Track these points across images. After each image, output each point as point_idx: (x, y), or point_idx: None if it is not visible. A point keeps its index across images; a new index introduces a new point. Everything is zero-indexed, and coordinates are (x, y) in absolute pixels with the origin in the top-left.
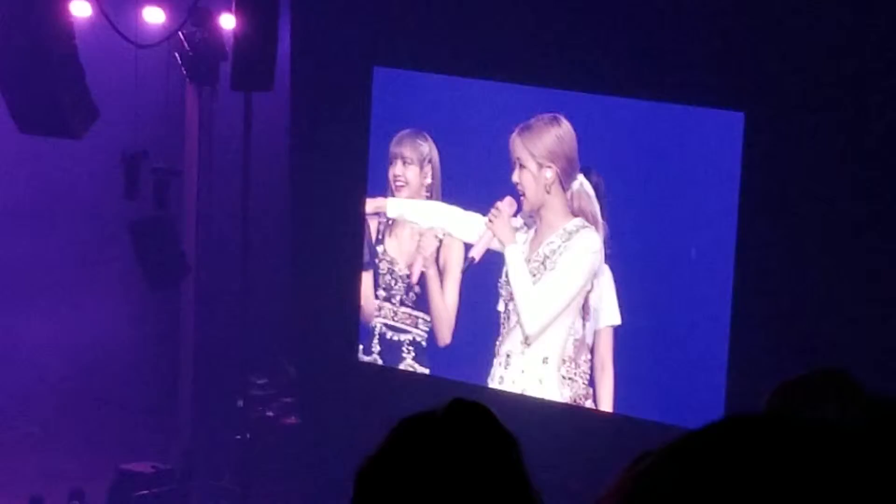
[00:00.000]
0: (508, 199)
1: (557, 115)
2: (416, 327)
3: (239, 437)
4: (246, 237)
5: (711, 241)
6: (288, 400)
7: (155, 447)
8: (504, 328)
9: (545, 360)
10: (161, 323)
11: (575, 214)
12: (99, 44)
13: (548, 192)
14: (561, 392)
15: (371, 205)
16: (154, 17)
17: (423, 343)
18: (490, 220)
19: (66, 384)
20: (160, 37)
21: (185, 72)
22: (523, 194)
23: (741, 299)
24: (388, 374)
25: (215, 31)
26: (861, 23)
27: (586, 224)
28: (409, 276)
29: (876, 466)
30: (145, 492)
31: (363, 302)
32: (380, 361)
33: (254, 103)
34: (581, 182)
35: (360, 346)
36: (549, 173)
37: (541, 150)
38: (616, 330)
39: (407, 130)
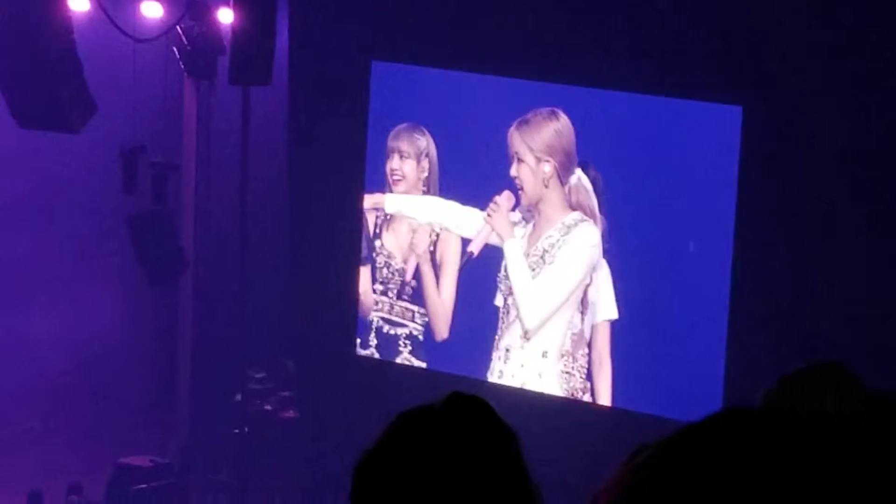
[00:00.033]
0: (507, 194)
1: (555, 109)
2: (413, 321)
3: (237, 431)
4: (244, 231)
5: (709, 236)
6: (286, 394)
7: (153, 441)
8: (503, 323)
9: (544, 355)
10: (159, 317)
11: (573, 208)
12: (97, 38)
13: (546, 187)
14: (560, 386)
15: (369, 201)
16: (152, 11)
17: (420, 337)
18: (489, 215)
19: (64, 378)
20: (158, 31)
21: (183, 66)
22: (521, 188)
23: (739, 293)
24: (387, 368)
25: (213, 25)
26: (859, 18)
27: (584, 218)
28: (405, 271)
29: (874, 459)
30: (143, 486)
31: (363, 296)
32: (377, 355)
33: (252, 98)
34: (579, 176)
35: (358, 340)
36: (548, 167)
37: (539, 144)
38: (613, 324)
39: (404, 124)
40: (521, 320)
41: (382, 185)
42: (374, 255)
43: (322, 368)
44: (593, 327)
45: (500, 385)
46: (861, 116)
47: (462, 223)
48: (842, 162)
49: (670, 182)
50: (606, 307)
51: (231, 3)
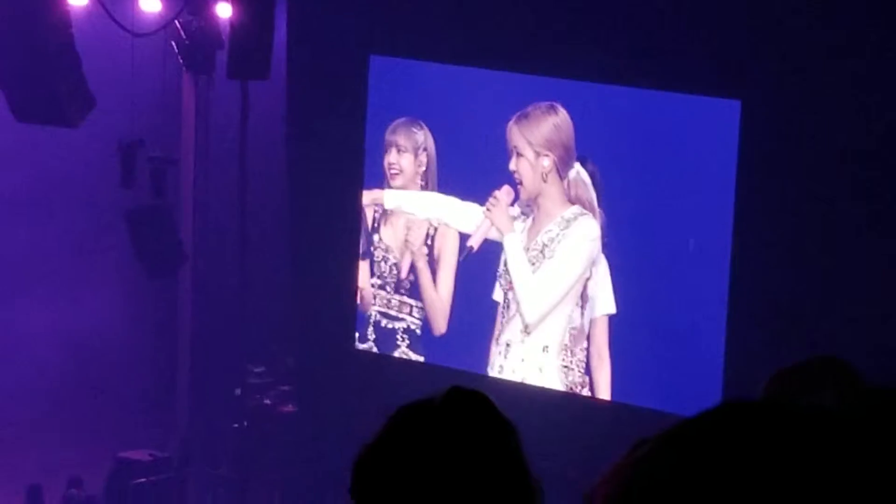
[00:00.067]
0: (506, 188)
1: (554, 103)
2: (411, 315)
3: (236, 425)
4: (243, 225)
5: (707, 230)
6: (285, 388)
7: (153, 435)
8: (503, 317)
9: (545, 349)
10: (158, 311)
11: (572, 202)
12: (95, 33)
13: (545, 181)
14: (561, 380)
15: (368, 197)
16: (150, 5)
17: (418, 331)
18: (488, 209)
19: (63, 373)
20: (156, 25)
21: (181, 60)
22: (521, 183)
23: (737, 287)
24: (386, 362)
25: (212, 19)
26: (858, 15)
27: (584, 212)
28: (401, 268)
29: (873, 452)
30: (143, 480)
31: (364, 291)
32: (375, 349)
33: (250, 92)
34: (578, 170)
35: (356, 334)
36: (547, 162)
37: (538, 138)
38: (612, 319)
39: (402, 119)
40: (521, 315)
41: (381, 180)
42: (371, 249)
43: (321, 363)
44: (591, 322)
45: (499, 379)
46: (859, 113)
47: (462, 218)
48: (840, 157)
49: (669, 176)
50: (605, 302)
51: None
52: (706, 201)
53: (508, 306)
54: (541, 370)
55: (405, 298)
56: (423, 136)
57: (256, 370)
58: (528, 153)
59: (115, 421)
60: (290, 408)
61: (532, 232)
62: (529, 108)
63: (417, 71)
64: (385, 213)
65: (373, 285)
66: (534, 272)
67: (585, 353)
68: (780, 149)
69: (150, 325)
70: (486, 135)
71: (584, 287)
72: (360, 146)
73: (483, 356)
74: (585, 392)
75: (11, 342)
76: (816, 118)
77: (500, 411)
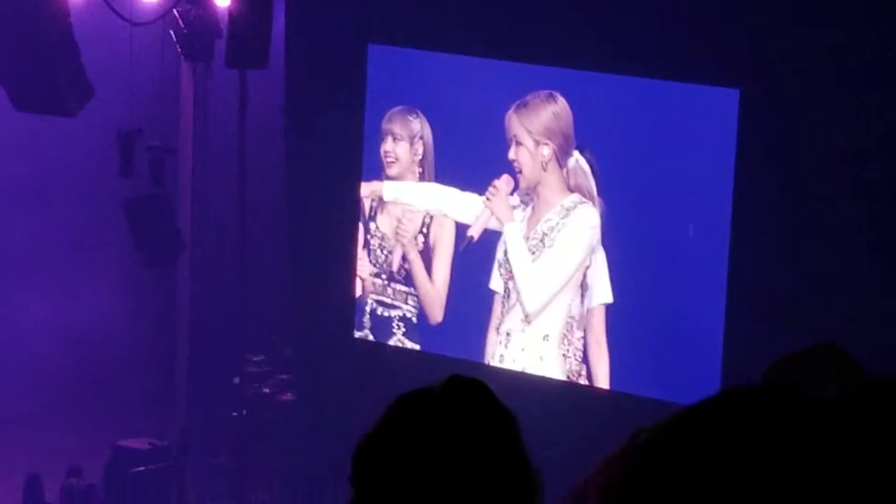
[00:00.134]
0: (506, 177)
1: (553, 92)
2: (406, 303)
3: (235, 413)
4: (242, 214)
5: (706, 218)
6: (284, 377)
7: (151, 424)
8: (504, 307)
9: (546, 338)
10: (157, 300)
11: (572, 191)
12: (94, 22)
13: (545, 170)
14: (561, 369)
15: (367, 189)
16: None
17: (414, 319)
18: (488, 199)
19: (62, 362)
20: (155, 14)
21: (179, 49)
22: (520, 171)
23: (736, 276)
24: (385, 351)
25: (210, 8)
26: (858, 4)
27: (583, 200)
28: (392, 261)
29: (874, 444)
30: (142, 468)
31: (365, 281)
32: (371, 337)
33: (249, 81)
34: (577, 159)
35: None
36: (546, 150)
37: (538, 127)
38: (611, 308)
39: (398, 108)
40: (521, 304)
41: (380, 169)
42: (368, 237)
43: (320, 352)
44: (589, 311)
45: (499, 368)
46: (858, 102)
47: (461, 208)
48: (838, 147)
49: (667, 166)
50: (602, 291)
51: None
52: (704, 191)
53: (509, 296)
54: (541, 359)
55: (401, 287)
56: (419, 124)
57: (255, 359)
58: (528, 142)
59: (114, 410)
60: (288, 396)
61: (532, 221)
62: (528, 97)
63: (416, 60)
64: (382, 202)
65: (370, 274)
66: (534, 261)
67: (582, 341)
68: (779, 138)
69: (149, 315)
70: (485, 124)
71: (584, 275)
72: (359, 135)
73: (480, 345)
74: (582, 381)
75: (10, 332)
76: (815, 108)
77: (500, 400)
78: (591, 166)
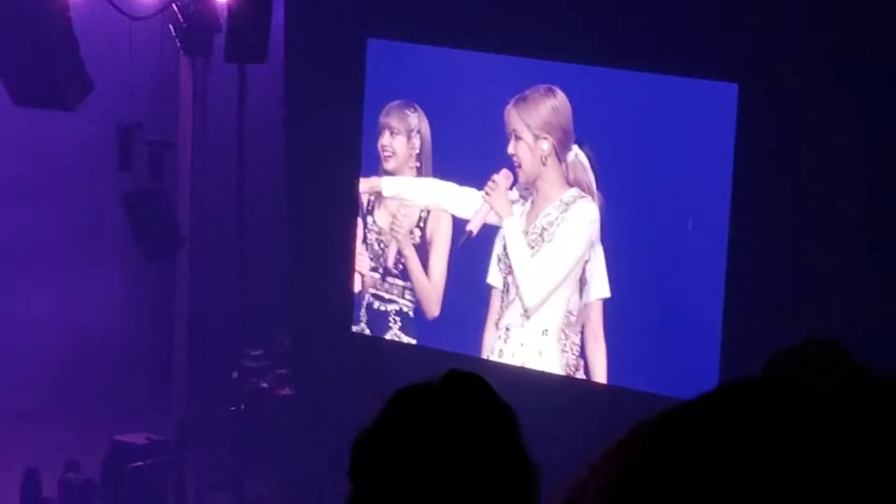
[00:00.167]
0: (505, 172)
1: (552, 86)
2: (403, 297)
3: (233, 408)
4: (241, 208)
5: (705, 213)
6: (282, 371)
7: (149, 419)
8: (503, 301)
9: (545, 333)
10: (156, 294)
11: (571, 185)
12: (93, 16)
13: (544, 164)
14: (560, 364)
15: (366, 184)
16: None
17: (410, 313)
18: (487, 193)
19: (60, 356)
20: (154, 9)
21: (179, 44)
22: (519, 166)
23: (735, 270)
24: (384, 346)
25: (209, 2)
26: None
27: (583, 194)
28: (387, 257)
29: (878, 440)
30: (140, 463)
31: (365, 276)
32: (367, 331)
33: (248, 75)
34: (576, 153)
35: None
36: (546, 145)
37: (537, 121)
38: (609, 302)
39: (395, 102)
40: (521, 299)
41: (378, 163)
42: (365, 231)
43: (319, 346)
44: (586, 306)
45: (498, 363)
46: (858, 95)
47: (460, 203)
48: (838, 140)
49: (666, 160)
50: (599, 286)
51: None
52: (703, 185)
53: (508, 290)
54: (540, 354)
55: (397, 281)
56: (416, 118)
57: (253, 353)
58: (527, 136)
59: (112, 405)
60: (287, 391)
61: (531, 215)
62: (528, 92)
63: (415, 55)
64: (379, 197)
65: (368, 269)
66: (533, 256)
67: (580, 336)
68: (778, 133)
69: (147, 309)
70: (484, 118)
71: (584, 270)
72: (358, 130)
73: (477, 339)
74: (580, 375)
75: (7, 326)
76: (814, 102)
77: (499, 395)
78: (590, 161)
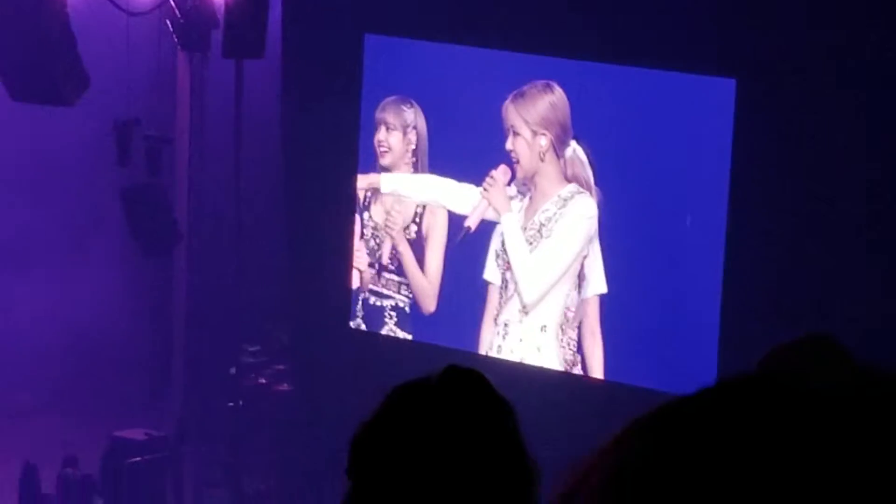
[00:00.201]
0: (503, 168)
1: (550, 82)
2: (399, 293)
3: (231, 404)
4: (238, 204)
5: (703, 209)
6: (280, 367)
7: (148, 414)
8: (502, 297)
9: (543, 328)
10: (154, 290)
11: (569, 181)
12: (90, 12)
13: (542, 160)
14: (559, 360)
15: (364, 181)
16: None
17: (407, 309)
18: (485, 189)
19: (59, 352)
20: (151, 5)
21: (176, 39)
22: (517, 162)
23: (732, 266)
24: (382, 341)
25: None
26: None
27: (581, 190)
28: (382, 254)
29: (877, 436)
30: (138, 458)
31: (364, 273)
32: (363, 326)
33: (245, 71)
34: (574, 148)
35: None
36: (544, 140)
37: (535, 117)
38: (607, 298)
39: (392, 97)
40: (519, 295)
41: (375, 160)
42: (362, 227)
43: (316, 342)
44: (583, 301)
45: (494, 358)
46: (856, 91)
47: (458, 199)
48: (836, 135)
49: (664, 155)
50: (596, 282)
51: None
52: (701, 181)
53: (506, 286)
54: (539, 350)
55: (393, 276)
56: (412, 114)
57: (251, 349)
58: (525, 132)
59: (111, 400)
60: (285, 387)
61: (529, 211)
62: (526, 87)
63: (413, 50)
64: (375, 193)
65: (366, 265)
66: (531, 252)
67: (577, 331)
68: (775, 128)
69: (146, 304)
70: (482, 114)
71: (582, 266)
72: (355, 125)
73: (474, 335)
74: (577, 370)
75: (5, 322)
76: (811, 97)
77: (497, 391)
78: (587, 156)
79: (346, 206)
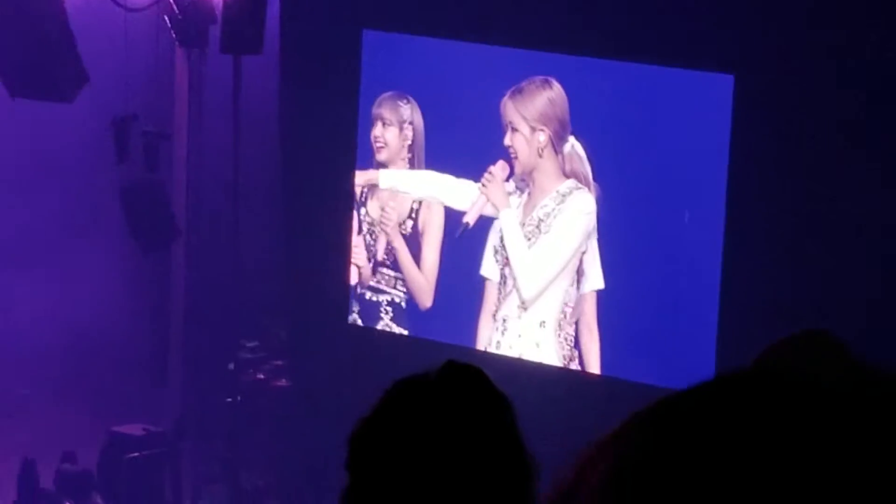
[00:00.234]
0: (501, 164)
1: (549, 77)
2: (395, 288)
3: (230, 399)
4: (236, 200)
5: (700, 205)
6: (279, 363)
7: (146, 410)
8: (500, 293)
9: (542, 324)
10: (152, 286)
11: (567, 176)
12: (89, 8)
13: (540, 156)
14: (558, 355)
15: (362, 177)
16: None
17: (403, 304)
18: (483, 185)
19: (57, 348)
20: (149, 1)
21: (174, 35)
22: (516, 157)
23: (730, 262)
24: (380, 337)
25: None
26: None
27: (579, 186)
28: (377, 251)
29: (876, 430)
30: (136, 454)
31: (362, 269)
32: (359, 321)
33: (243, 66)
34: (572, 144)
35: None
36: (542, 136)
37: (533, 113)
38: (604, 294)
39: (388, 93)
40: (518, 290)
41: (373, 156)
42: (359, 223)
43: (315, 337)
44: (581, 297)
45: (493, 354)
46: (853, 87)
47: (457, 195)
48: (834, 131)
49: (662, 151)
50: (593, 277)
51: None
52: (699, 176)
53: (505, 282)
54: (538, 345)
55: (389, 272)
56: (408, 109)
57: (249, 345)
58: (524, 128)
59: (109, 396)
60: (283, 382)
61: (527, 207)
62: (524, 83)
63: (411, 46)
64: (373, 189)
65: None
66: (530, 248)
67: (574, 327)
68: (774, 124)
69: (144, 300)
70: (480, 110)
71: (581, 261)
72: (354, 121)
73: (471, 331)
74: (574, 365)
75: (3, 317)
76: (809, 93)
77: (496, 386)
78: (586, 152)
79: (344, 202)
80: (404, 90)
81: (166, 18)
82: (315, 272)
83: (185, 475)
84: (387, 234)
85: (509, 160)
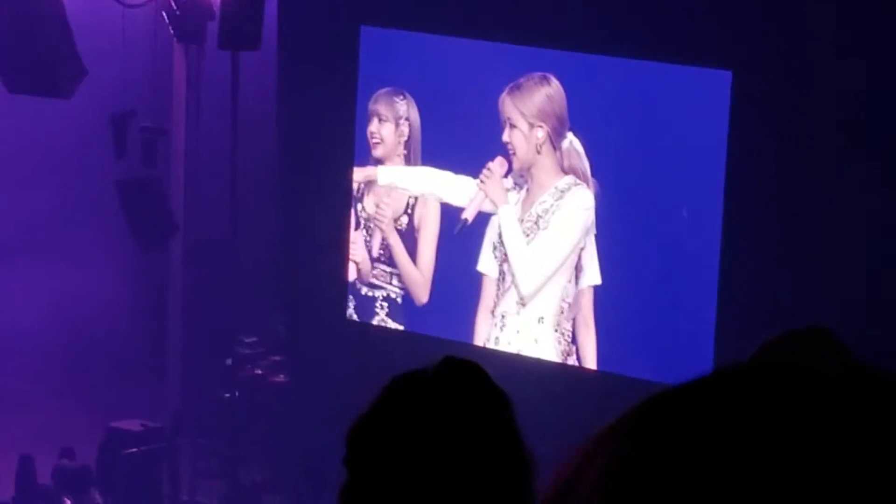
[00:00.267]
0: (499, 160)
1: (547, 74)
2: (391, 283)
3: (228, 395)
4: (234, 196)
5: (698, 201)
6: (277, 358)
7: (144, 405)
8: (499, 289)
9: (541, 320)
10: (150, 281)
11: (566, 172)
12: (87, 4)
13: (538, 152)
14: (556, 351)
15: (360, 173)
16: None
17: (399, 300)
18: (482, 181)
19: (55, 343)
20: None
21: (172, 31)
22: (514, 154)
23: (729, 258)
24: (379, 333)
25: None
26: None
27: (577, 182)
28: (372, 247)
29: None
30: (134, 450)
31: (361, 265)
32: (355, 317)
33: (241, 62)
34: (571, 140)
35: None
36: (540, 133)
37: (531, 109)
38: (601, 289)
39: (385, 89)
40: (516, 286)
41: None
42: (356, 219)
43: (313, 333)
44: (578, 292)
45: (491, 349)
46: (851, 83)
47: (455, 192)
48: (832, 127)
49: (661, 147)
50: (591, 273)
51: None
52: (697, 172)
53: (503, 278)
54: (536, 341)
55: (385, 267)
56: (405, 105)
57: (248, 340)
58: (522, 124)
59: (107, 391)
60: (281, 378)
61: (526, 203)
62: (522, 80)
63: (409, 42)
64: (369, 184)
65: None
66: (528, 244)
67: (571, 323)
68: (772, 121)
69: (142, 295)
70: (478, 106)
71: (580, 257)
72: (351, 117)
73: (467, 326)
74: (571, 361)
75: (1, 313)
76: (808, 90)
77: (494, 382)
78: (584, 148)
79: (342, 199)
80: (403, 86)
81: (164, 15)
82: (313, 268)
83: (184, 471)
84: (381, 230)
85: (507, 156)
